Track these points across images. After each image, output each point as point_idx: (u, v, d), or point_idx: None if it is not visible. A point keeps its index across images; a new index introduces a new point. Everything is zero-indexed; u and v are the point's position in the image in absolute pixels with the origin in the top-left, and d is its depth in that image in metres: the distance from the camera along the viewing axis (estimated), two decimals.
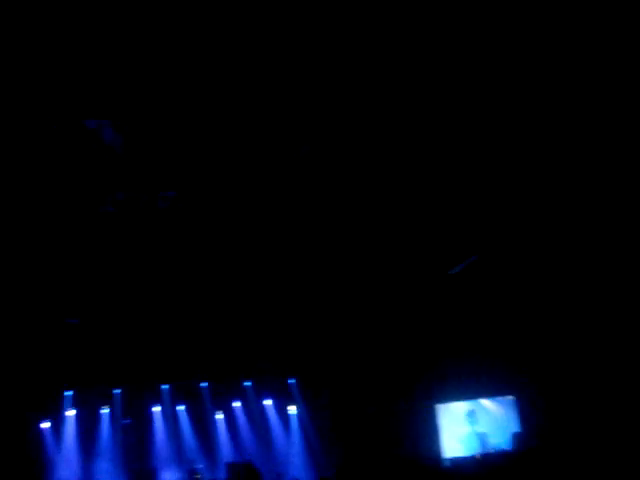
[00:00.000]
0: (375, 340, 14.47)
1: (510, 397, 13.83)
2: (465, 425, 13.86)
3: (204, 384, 14.44)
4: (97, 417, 13.82)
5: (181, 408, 14.34)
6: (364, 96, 8.64)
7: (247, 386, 14.62)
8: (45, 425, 13.37)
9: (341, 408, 14.41)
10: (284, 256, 12.35)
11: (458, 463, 12.09)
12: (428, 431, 14.01)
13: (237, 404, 14.56)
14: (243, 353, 14.26)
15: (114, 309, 13.26)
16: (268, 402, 14.71)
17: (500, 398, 13.89)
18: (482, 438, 13.55)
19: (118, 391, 13.97)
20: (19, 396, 12.99)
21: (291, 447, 14.38)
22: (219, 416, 14.41)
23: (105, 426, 13.78)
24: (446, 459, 13.32)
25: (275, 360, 14.39)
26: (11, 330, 12.78)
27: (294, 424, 14.63)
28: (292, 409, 14.73)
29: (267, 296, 13.47)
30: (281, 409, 14.66)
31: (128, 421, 13.84)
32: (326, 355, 14.57)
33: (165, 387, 14.29)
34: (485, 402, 14.03)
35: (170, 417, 14.19)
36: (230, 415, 14.46)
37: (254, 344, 14.21)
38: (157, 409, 14.16)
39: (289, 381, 14.80)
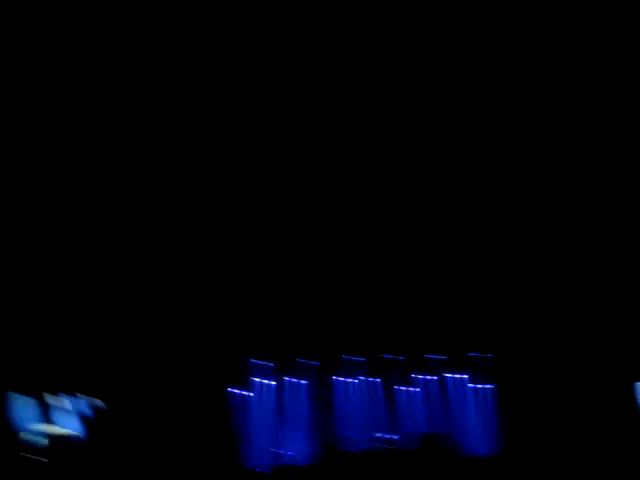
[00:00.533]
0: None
1: None
2: None
3: (396, 357, 14.38)
4: (290, 387, 14.17)
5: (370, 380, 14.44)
6: None
7: (438, 360, 14.41)
8: (240, 393, 13.89)
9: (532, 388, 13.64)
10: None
11: None
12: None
13: (426, 377, 14.43)
14: (434, 326, 14.05)
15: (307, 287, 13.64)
16: (459, 376, 14.42)
17: None
18: None
19: (309, 362, 14.29)
20: (219, 366, 13.60)
21: (478, 423, 14.01)
22: (408, 388, 14.36)
23: (297, 396, 14.10)
24: None
25: (468, 334, 14.02)
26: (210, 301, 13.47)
27: (482, 400, 14.24)
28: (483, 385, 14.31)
29: (462, 266, 13.26)
30: (470, 384, 14.32)
31: (318, 392, 14.11)
32: (521, 332, 13.91)
33: (354, 359, 14.36)
34: None
35: (359, 389, 14.26)
36: (420, 388, 14.37)
37: (447, 318, 13.96)
38: (345, 380, 14.36)
39: (480, 356, 14.30)
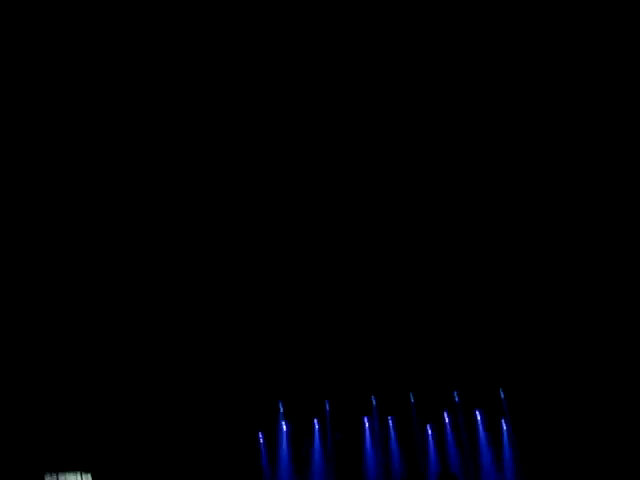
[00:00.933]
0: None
1: None
2: None
3: (412, 396, 14.40)
4: (309, 429, 14.14)
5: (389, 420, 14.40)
6: None
7: (455, 397, 14.37)
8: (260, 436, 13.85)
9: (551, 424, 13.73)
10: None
11: None
12: None
13: (445, 416, 14.35)
14: (451, 363, 14.11)
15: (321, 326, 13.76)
16: (477, 414, 14.35)
17: None
18: None
19: (327, 404, 14.23)
20: (236, 407, 13.53)
21: (500, 461, 13.89)
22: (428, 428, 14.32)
23: (316, 438, 14.07)
24: None
25: (484, 370, 14.09)
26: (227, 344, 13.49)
27: (504, 437, 14.16)
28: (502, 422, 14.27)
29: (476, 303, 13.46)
30: (491, 421, 14.24)
31: (338, 437, 14.05)
32: (539, 365, 13.95)
33: (374, 399, 14.39)
34: None
35: (378, 429, 14.26)
36: (439, 427, 14.29)
37: (462, 354, 14.07)
38: (366, 421, 14.31)
39: (500, 392, 14.36)
